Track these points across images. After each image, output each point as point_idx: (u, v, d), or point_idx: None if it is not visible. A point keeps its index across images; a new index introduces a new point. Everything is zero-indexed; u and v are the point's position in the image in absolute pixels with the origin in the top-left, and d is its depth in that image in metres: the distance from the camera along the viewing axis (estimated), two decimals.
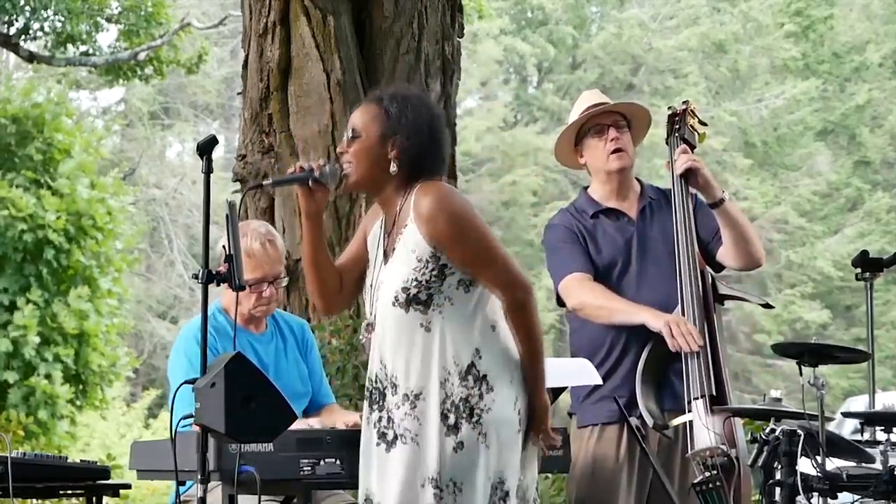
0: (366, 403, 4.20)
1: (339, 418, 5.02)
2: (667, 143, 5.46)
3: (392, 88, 4.30)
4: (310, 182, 4.17)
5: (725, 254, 5.33)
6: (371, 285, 4.23)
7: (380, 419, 4.14)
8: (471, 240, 4.11)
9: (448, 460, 4.05)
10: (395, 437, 4.10)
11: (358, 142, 4.18)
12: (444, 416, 4.07)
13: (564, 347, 5.68)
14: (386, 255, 4.20)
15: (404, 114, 4.18)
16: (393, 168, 4.16)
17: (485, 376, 4.10)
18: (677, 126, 5.44)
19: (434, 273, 4.10)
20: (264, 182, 4.31)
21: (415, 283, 4.10)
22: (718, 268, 5.40)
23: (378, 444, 4.13)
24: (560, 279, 5.28)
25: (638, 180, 5.49)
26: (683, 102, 5.51)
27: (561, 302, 5.33)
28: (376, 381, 4.16)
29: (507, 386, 4.13)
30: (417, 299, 4.09)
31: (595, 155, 5.39)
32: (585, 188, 5.52)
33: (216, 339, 4.96)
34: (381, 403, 4.14)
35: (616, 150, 5.35)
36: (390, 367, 4.13)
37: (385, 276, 4.17)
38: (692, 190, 5.33)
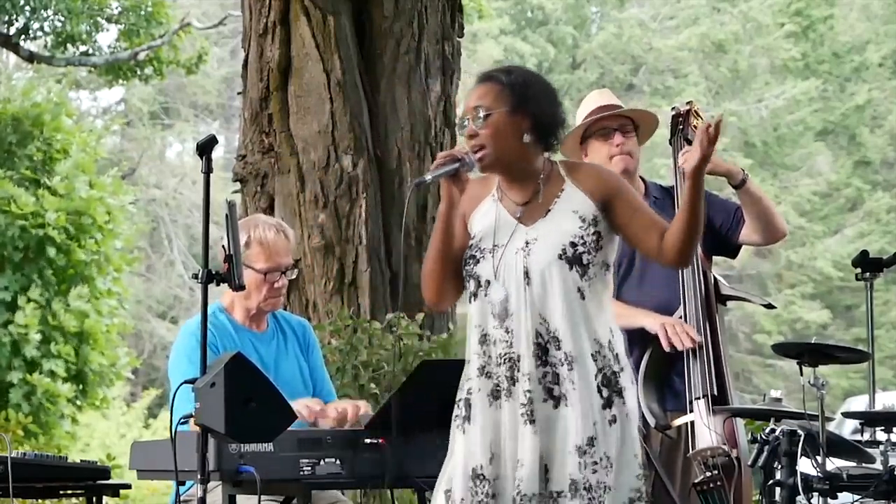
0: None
1: (330, 405, 4.96)
2: (670, 143, 5.46)
3: (503, 67, 4.37)
4: (459, 170, 4.16)
5: (749, 232, 5.34)
6: (496, 245, 4.17)
7: (545, 374, 4.09)
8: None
9: (603, 434, 4.06)
10: (561, 396, 4.08)
11: (490, 120, 4.19)
12: (598, 390, 4.08)
13: None
14: (522, 221, 4.20)
15: (528, 86, 4.24)
16: (527, 138, 4.21)
17: (618, 355, 4.15)
18: (681, 127, 5.43)
19: (594, 238, 4.16)
20: (424, 178, 4.17)
21: (581, 241, 4.14)
22: (737, 251, 5.41)
23: (545, 401, 4.08)
24: None
25: (642, 179, 5.49)
26: (687, 103, 5.50)
27: None
28: (537, 337, 4.11)
29: (631, 371, 4.20)
30: (580, 261, 4.13)
31: (598, 158, 5.38)
32: None
33: (217, 338, 4.94)
34: (544, 359, 4.10)
35: (619, 154, 5.34)
36: (552, 322, 4.11)
37: (540, 232, 4.17)
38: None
